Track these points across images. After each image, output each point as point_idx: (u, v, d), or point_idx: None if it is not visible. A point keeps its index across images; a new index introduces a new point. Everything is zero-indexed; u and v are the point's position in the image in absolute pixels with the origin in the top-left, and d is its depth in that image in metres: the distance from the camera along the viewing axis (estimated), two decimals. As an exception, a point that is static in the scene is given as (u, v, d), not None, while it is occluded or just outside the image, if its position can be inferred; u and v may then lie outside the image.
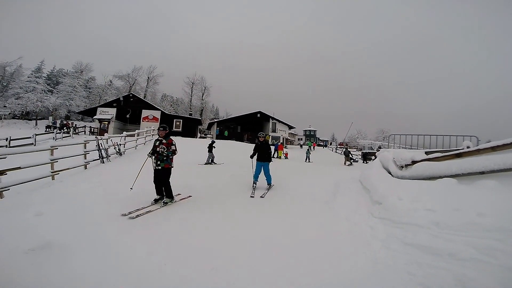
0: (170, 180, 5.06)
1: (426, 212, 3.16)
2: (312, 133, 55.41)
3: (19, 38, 58.03)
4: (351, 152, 18.50)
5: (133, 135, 15.04)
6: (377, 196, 4.29)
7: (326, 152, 30.94)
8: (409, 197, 3.66)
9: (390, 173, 5.13)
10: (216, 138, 26.98)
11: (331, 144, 48.45)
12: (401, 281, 2.38)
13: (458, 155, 4.26)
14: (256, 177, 6.53)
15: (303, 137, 51.65)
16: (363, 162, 17.06)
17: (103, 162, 9.66)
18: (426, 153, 4.96)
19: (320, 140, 54.19)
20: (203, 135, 36.73)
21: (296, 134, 49.70)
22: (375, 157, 16.64)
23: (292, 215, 4.53)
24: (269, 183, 6.60)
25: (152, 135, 19.64)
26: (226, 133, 31.06)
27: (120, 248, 3.03)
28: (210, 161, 11.52)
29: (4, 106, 31.82)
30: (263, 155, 6.54)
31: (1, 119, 30.91)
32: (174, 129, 30.54)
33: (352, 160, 16.89)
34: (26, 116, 33.90)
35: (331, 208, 4.76)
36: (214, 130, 32.86)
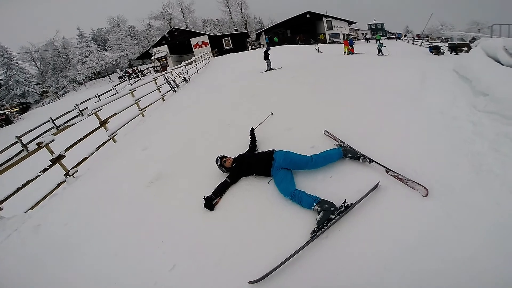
0: None
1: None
2: (379, 26, 45.87)
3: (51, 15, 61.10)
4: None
5: (191, 63, 15.84)
6: (482, 86, 3.39)
7: (401, 44, 25.94)
8: None
9: (499, 62, 3.99)
10: (266, 46, 26.00)
11: (405, 36, 40.04)
12: (510, 196, 1.92)
13: None
14: (300, 196, 2.44)
15: (368, 32, 43.50)
16: (451, 53, 13.80)
17: (175, 91, 10.97)
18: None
19: (391, 33, 44.75)
20: (254, 47, 35.57)
21: (358, 30, 42.57)
22: (468, 49, 13.40)
23: (370, 111, 3.82)
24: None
25: (208, 58, 20.87)
26: (276, 39, 30.41)
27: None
28: (269, 67, 11.24)
29: (78, 73, 38.23)
30: (261, 167, 2.90)
31: (83, 83, 38.23)
32: (225, 47, 31.17)
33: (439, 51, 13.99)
34: (99, 75, 39.61)
35: (419, 100, 3.85)
36: (263, 39, 32.56)
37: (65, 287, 2.33)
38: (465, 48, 13.96)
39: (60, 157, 4.57)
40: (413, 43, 26.45)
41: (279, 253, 2.04)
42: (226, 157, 3.15)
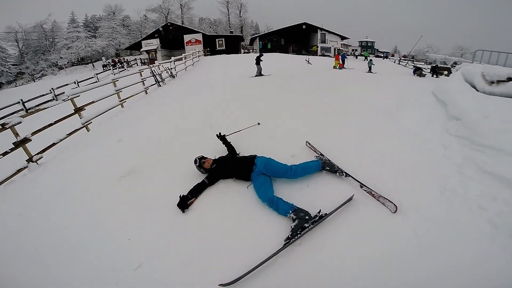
0: None
1: (519, 137, 2.52)
2: (369, 44, 47.80)
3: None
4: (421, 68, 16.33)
5: (180, 59, 15.56)
6: (455, 111, 3.59)
7: (388, 63, 27.28)
8: (499, 115, 2.92)
9: (474, 87, 4.24)
10: (259, 52, 26.39)
11: (392, 56, 41.98)
12: (468, 213, 2.14)
13: None
14: (277, 203, 2.45)
15: (359, 48, 45.29)
16: (432, 76, 14.64)
17: (160, 86, 10.70)
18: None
19: (379, 51, 46.79)
20: (246, 51, 35.77)
21: (349, 45, 44.23)
22: (448, 73, 14.28)
23: (350, 127, 4.06)
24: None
25: (198, 56, 20.84)
26: (269, 45, 31.27)
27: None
28: (259, 73, 11.28)
29: (60, 58, 36.81)
30: (242, 171, 2.88)
31: (63, 68, 36.65)
32: (218, 48, 31.20)
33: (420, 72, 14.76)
34: (82, 61, 38.25)
35: (397, 120, 4.13)
36: (257, 44, 32.93)
37: (12, 284, 2.12)
38: (446, 72, 14.76)
39: (25, 140, 4.23)
40: (399, 63, 27.75)
41: (252, 257, 2.04)
42: (206, 158, 3.07)
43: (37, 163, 4.26)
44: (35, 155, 4.32)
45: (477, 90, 4.10)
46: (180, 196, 2.67)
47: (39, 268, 2.21)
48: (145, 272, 2.08)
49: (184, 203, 2.63)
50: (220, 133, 3.50)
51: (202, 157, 3.07)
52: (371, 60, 16.75)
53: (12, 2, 57.76)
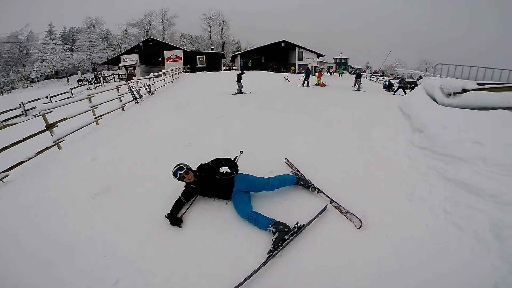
0: None
1: (473, 145, 2.78)
2: (343, 61, 50.69)
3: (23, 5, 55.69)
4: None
5: (160, 76, 15.39)
6: (418, 123, 3.89)
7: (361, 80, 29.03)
8: (455, 126, 3.23)
9: (435, 100, 4.64)
10: (241, 69, 26.76)
11: (364, 72, 44.68)
12: (435, 218, 2.33)
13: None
14: (256, 218, 2.50)
15: (334, 65, 47.87)
16: (399, 89, 15.58)
17: (138, 103, 10.50)
18: (478, 84, 4.27)
19: (353, 68, 49.72)
20: (227, 68, 36.22)
21: (325, 62, 46.43)
22: (414, 87, 15.26)
23: (326, 141, 4.41)
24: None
25: (178, 73, 20.72)
26: (250, 63, 31.81)
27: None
28: (239, 91, 11.48)
29: (34, 70, 34.72)
30: (222, 192, 2.87)
31: (35, 81, 34.11)
32: (198, 65, 30.98)
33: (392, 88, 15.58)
34: (56, 75, 36.35)
35: (368, 135, 4.48)
36: (238, 62, 33.15)
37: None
38: (412, 86, 15.62)
39: (-11, 159, 3.97)
40: (370, 79, 29.29)
41: (235, 272, 2.06)
42: (188, 172, 2.76)
43: (2, 181, 3.99)
44: (0, 173, 4.05)
45: (437, 103, 4.50)
46: (166, 216, 2.63)
47: (6, 283, 2.10)
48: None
49: (176, 220, 2.61)
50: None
51: (185, 171, 2.76)
52: (358, 75, 16.98)
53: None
